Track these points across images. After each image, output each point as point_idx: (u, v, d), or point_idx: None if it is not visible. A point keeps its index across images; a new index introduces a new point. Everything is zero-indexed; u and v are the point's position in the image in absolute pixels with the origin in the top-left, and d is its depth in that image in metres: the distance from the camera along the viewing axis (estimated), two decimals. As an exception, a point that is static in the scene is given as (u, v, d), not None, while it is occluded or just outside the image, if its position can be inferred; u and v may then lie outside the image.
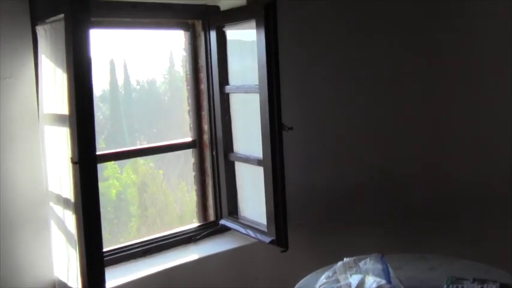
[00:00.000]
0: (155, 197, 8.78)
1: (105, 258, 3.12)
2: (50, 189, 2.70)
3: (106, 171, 11.04)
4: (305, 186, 3.70)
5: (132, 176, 9.99)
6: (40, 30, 2.65)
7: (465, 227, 4.02)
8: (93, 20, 3.18)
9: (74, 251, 2.50)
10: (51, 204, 2.71)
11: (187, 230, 3.49)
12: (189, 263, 3.19)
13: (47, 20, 2.60)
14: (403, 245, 3.59)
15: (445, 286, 2.67)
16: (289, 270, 2.97)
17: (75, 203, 2.44)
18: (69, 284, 2.58)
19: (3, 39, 2.55)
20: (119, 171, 10.28)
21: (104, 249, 3.20)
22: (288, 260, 3.26)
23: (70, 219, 2.52)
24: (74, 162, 2.39)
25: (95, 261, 2.43)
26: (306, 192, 3.71)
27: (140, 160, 9.47)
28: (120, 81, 13.14)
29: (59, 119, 2.53)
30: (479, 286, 2.63)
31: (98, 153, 2.46)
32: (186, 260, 3.20)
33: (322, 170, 3.79)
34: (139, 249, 3.27)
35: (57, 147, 2.59)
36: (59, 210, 2.64)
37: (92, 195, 2.41)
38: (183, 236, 3.43)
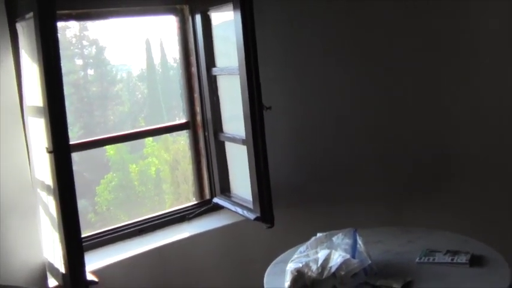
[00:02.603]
0: (187, 174, 8.97)
1: (102, 238, 3.32)
2: (36, 176, 2.86)
3: (146, 149, 11.31)
4: (294, 165, 3.74)
5: (164, 154, 10.22)
6: (19, 26, 2.79)
7: (463, 200, 4.03)
8: (80, 12, 3.34)
9: (58, 234, 2.66)
10: (38, 190, 2.87)
11: (183, 208, 3.62)
12: (179, 241, 3.31)
13: (26, 17, 2.72)
14: (395, 222, 3.61)
15: (418, 258, 2.72)
16: (281, 247, 3.02)
17: (54, 190, 2.60)
18: (56, 266, 2.75)
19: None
20: (158, 150, 10.54)
21: (103, 229, 3.40)
22: (278, 237, 3.32)
23: (52, 205, 2.68)
24: (49, 152, 2.55)
25: (73, 245, 2.58)
26: (295, 170, 3.74)
27: (170, 138, 9.67)
28: (157, 60, 13.39)
29: (38, 111, 2.67)
30: (450, 258, 2.67)
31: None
32: (176, 238, 3.33)
33: (311, 149, 3.80)
34: (135, 228, 3.42)
35: (38, 137, 2.74)
36: (44, 196, 2.80)
37: (67, 183, 2.56)
38: (178, 215, 3.56)
